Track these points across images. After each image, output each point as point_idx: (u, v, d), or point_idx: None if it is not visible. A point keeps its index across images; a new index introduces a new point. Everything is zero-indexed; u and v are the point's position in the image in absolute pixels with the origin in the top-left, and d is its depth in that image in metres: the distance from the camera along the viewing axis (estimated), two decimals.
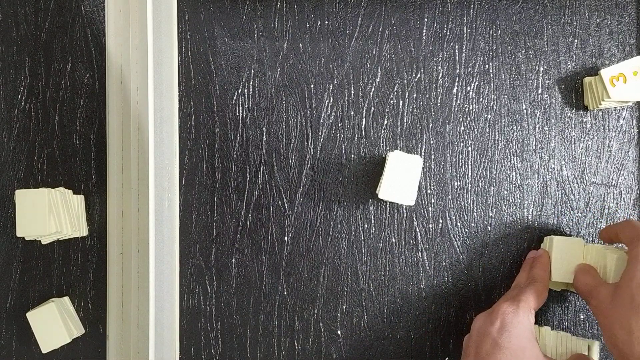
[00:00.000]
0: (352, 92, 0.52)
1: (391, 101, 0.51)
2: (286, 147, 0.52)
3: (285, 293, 0.52)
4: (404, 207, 0.51)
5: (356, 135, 0.52)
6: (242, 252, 0.52)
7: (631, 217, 0.51)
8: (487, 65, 0.51)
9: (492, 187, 0.51)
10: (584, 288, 0.44)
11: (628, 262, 0.41)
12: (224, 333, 0.52)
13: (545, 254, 0.47)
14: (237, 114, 0.52)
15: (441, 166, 0.51)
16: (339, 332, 0.52)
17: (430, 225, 0.51)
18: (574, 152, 0.51)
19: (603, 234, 0.48)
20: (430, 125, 0.51)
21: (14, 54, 0.53)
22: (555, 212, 0.51)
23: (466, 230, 0.51)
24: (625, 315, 0.39)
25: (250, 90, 0.52)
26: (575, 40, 0.51)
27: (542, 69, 0.51)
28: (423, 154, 0.51)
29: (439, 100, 0.51)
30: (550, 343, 0.46)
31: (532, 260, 0.48)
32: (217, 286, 0.52)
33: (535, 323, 0.45)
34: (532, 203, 0.51)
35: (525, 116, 0.51)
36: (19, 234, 0.47)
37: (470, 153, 0.51)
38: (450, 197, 0.51)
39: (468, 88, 0.51)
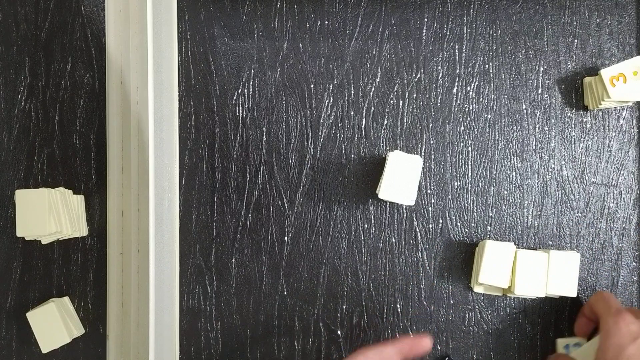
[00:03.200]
0: (352, 92, 0.52)
1: (391, 101, 0.51)
2: (286, 147, 0.52)
3: (285, 293, 0.52)
4: (404, 207, 0.51)
5: (356, 135, 0.52)
6: (242, 252, 0.52)
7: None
8: (487, 65, 0.51)
9: (492, 187, 0.51)
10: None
11: (601, 336, 0.43)
12: (224, 333, 0.52)
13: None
14: (237, 114, 0.52)
15: (441, 166, 0.51)
16: (339, 332, 0.52)
17: (430, 225, 0.51)
18: (574, 152, 0.51)
19: (584, 316, 0.48)
20: (430, 125, 0.51)
21: (14, 54, 0.53)
22: (555, 212, 0.51)
23: (466, 230, 0.51)
24: None
25: (250, 90, 0.52)
26: (575, 40, 0.51)
27: (542, 69, 0.51)
28: (423, 154, 0.51)
29: (439, 100, 0.51)
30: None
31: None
32: (217, 286, 0.52)
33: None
34: (532, 203, 0.51)
35: (525, 116, 0.51)
36: (19, 234, 0.47)
37: (470, 153, 0.51)
38: (450, 197, 0.51)
39: (468, 88, 0.51)
